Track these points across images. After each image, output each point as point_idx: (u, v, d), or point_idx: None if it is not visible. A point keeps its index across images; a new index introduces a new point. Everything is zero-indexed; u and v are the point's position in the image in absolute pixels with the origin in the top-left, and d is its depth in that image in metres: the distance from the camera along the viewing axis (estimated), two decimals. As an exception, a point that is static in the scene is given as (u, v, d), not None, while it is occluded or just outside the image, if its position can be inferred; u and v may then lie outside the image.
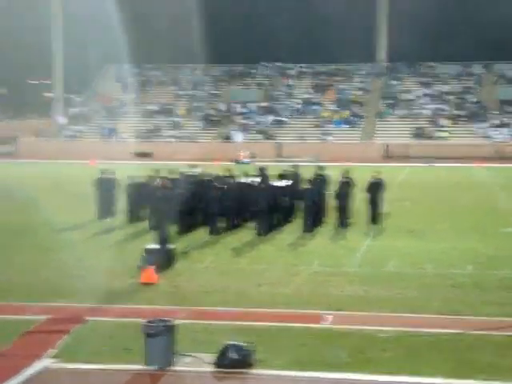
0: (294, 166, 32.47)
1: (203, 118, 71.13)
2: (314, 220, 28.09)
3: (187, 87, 77.21)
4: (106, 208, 30.58)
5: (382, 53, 78.26)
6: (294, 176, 31.12)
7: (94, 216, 30.27)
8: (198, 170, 32.13)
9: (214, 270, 21.50)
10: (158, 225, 23.01)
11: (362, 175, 32.47)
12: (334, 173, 32.67)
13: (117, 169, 32.37)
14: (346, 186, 28.90)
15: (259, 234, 26.73)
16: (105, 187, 30.56)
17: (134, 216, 29.60)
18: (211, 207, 27.24)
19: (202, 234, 27.25)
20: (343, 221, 28.43)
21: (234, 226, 28.17)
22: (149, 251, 21.37)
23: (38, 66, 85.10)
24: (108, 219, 30.19)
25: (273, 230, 27.51)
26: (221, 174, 30.18)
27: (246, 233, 27.44)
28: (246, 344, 13.81)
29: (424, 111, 69.75)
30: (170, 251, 21.84)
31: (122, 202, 30.41)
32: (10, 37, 75.90)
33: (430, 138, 65.79)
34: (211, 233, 26.97)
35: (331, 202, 29.32)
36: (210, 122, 71.12)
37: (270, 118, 70.24)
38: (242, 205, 28.74)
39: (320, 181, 30.04)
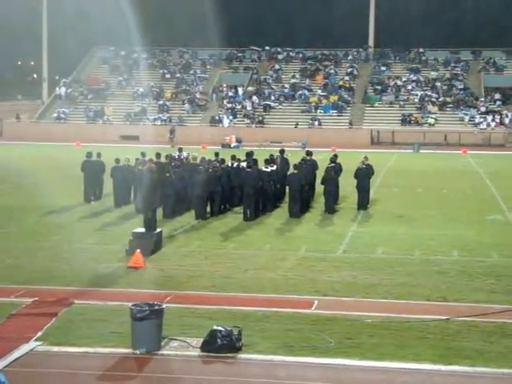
0: (281, 151, 32.40)
1: (190, 101, 70.85)
2: (301, 205, 28.04)
3: (175, 70, 76.83)
4: (92, 191, 30.47)
5: (370, 38, 78.10)
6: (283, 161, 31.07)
7: (80, 199, 30.14)
8: (184, 154, 32.02)
9: (201, 254, 21.45)
10: (144, 209, 22.88)
11: (350, 161, 32.52)
12: (320, 158, 32.72)
13: (103, 151, 32.21)
14: (333, 172, 28.85)
15: (246, 219, 26.67)
16: (91, 170, 30.39)
17: (120, 199, 29.44)
18: (197, 191, 27.12)
19: (188, 218, 27.18)
20: (330, 206, 28.41)
21: (221, 211, 28.11)
22: (136, 235, 21.28)
23: (23, 47, 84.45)
24: (93, 202, 30.07)
25: (260, 215, 27.47)
26: (207, 157, 30.08)
27: (233, 217, 27.39)
28: (233, 328, 13.79)
29: (412, 97, 69.75)
30: (156, 235, 21.74)
31: (108, 186, 30.26)
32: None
33: (418, 124, 65.85)
34: (197, 217, 26.88)
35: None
36: (197, 105, 70.86)
37: (258, 102, 70.02)
38: (229, 189, 28.68)
39: (307, 166, 29.97)
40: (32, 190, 32.22)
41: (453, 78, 72.45)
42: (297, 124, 65.96)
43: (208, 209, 27.62)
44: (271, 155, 30.72)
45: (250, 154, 30.03)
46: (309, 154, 32.08)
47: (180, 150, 32.42)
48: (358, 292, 17.57)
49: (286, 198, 29.10)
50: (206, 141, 57.19)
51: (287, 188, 28.93)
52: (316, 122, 66.42)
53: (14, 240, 23.16)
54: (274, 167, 29.07)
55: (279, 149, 33.67)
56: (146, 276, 18.91)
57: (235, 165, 29.35)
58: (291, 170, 28.89)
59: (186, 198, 28.17)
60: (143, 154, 30.11)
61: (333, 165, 29.55)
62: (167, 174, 27.17)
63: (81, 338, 14.12)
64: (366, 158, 30.20)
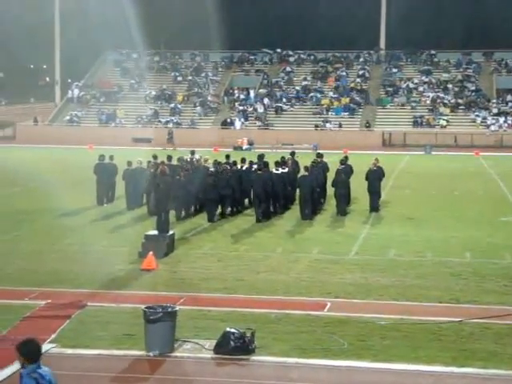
0: (291, 153, 32.46)
1: (202, 103, 70.95)
2: (313, 208, 28.03)
3: (187, 73, 76.97)
4: (104, 194, 30.58)
5: (381, 40, 78.01)
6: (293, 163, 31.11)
7: (93, 202, 30.26)
8: (196, 157, 32.08)
9: (213, 256, 21.50)
10: (156, 211, 22.99)
11: (362, 163, 32.49)
12: (331, 160, 32.76)
13: (115, 154, 32.32)
14: (343, 174, 28.84)
15: (258, 221, 26.69)
16: (103, 173, 30.50)
17: (132, 202, 29.54)
18: (209, 194, 27.21)
19: (200, 220, 27.24)
20: (342, 209, 28.39)
21: (232, 213, 28.19)
22: (148, 237, 21.36)
23: (35, 50, 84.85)
24: (106, 205, 30.19)
25: (271, 218, 27.50)
26: (219, 160, 30.14)
27: (245, 220, 27.41)
28: (245, 330, 13.83)
29: (423, 99, 69.62)
30: (169, 237, 21.81)
31: (120, 188, 30.35)
32: (8, 21, 75.57)
33: (430, 126, 65.69)
34: (210, 220, 26.91)
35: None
36: (209, 108, 70.97)
37: (269, 104, 70.07)
38: (241, 191, 28.75)
39: (318, 168, 29.97)
40: (44, 193, 32.34)
41: (464, 79, 72.25)
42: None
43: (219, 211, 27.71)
44: (282, 157, 30.77)
45: (261, 157, 30.14)
46: (319, 156, 32.12)
47: (192, 152, 32.49)
48: (370, 294, 17.57)
49: (297, 200, 29.10)
50: (218, 143, 57.23)
51: (298, 190, 28.94)
52: (328, 124, 66.27)
53: (27, 242, 23.30)
54: (286, 169, 29.11)
55: (290, 151, 33.72)
56: (159, 278, 18.98)
57: (244, 167, 29.41)
58: (302, 172, 28.88)
59: (195, 201, 28.29)
60: (155, 157, 30.24)
61: (343, 167, 29.55)
62: (177, 177, 27.22)
63: (94, 340, 14.19)
64: (376, 159, 30.16)
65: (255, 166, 29.02)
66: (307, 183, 27.59)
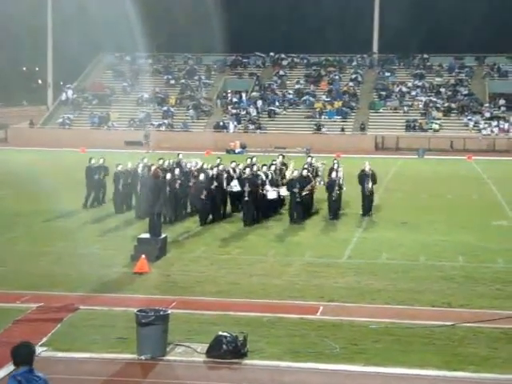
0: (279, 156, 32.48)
1: (195, 106, 70.90)
2: (303, 211, 27.98)
3: (179, 76, 76.92)
4: (95, 196, 30.56)
5: (374, 44, 78.14)
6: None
7: (84, 204, 30.18)
8: (186, 160, 32.03)
9: (206, 260, 21.46)
10: (148, 214, 22.92)
11: (354, 167, 32.48)
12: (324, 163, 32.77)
13: (107, 157, 32.24)
14: (336, 178, 28.78)
15: (247, 224, 26.61)
16: (94, 176, 30.43)
17: (122, 205, 29.48)
18: (198, 197, 27.17)
19: (191, 223, 27.18)
20: (333, 212, 28.34)
21: (224, 217, 28.16)
22: (141, 241, 21.29)
23: (28, 53, 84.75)
24: (97, 208, 30.12)
25: (261, 221, 27.44)
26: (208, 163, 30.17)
27: (236, 223, 27.27)
28: (238, 334, 13.80)
29: (416, 103, 69.73)
30: (161, 241, 21.75)
31: (111, 191, 30.28)
32: (0, 23, 75.43)
33: (422, 130, 65.78)
34: (201, 223, 26.82)
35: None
36: (202, 111, 70.92)
37: (262, 108, 70.07)
38: (231, 195, 28.76)
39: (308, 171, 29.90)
40: (37, 195, 32.23)
41: (457, 83, 72.43)
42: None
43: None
44: (273, 160, 30.86)
45: (250, 160, 30.21)
46: (310, 159, 32.14)
47: (177, 155, 32.46)
48: (363, 298, 17.57)
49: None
50: (211, 146, 57.12)
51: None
52: (321, 129, 66.29)
53: (19, 245, 23.23)
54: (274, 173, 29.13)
55: (278, 154, 33.83)
56: (152, 281, 18.92)
57: (231, 170, 29.36)
58: (292, 176, 28.80)
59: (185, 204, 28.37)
60: (142, 159, 30.28)
61: (336, 171, 29.52)
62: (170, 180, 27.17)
63: (86, 344, 14.14)
64: (369, 163, 30.08)
65: (247, 170, 28.94)
66: (297, 187, 27.48)
